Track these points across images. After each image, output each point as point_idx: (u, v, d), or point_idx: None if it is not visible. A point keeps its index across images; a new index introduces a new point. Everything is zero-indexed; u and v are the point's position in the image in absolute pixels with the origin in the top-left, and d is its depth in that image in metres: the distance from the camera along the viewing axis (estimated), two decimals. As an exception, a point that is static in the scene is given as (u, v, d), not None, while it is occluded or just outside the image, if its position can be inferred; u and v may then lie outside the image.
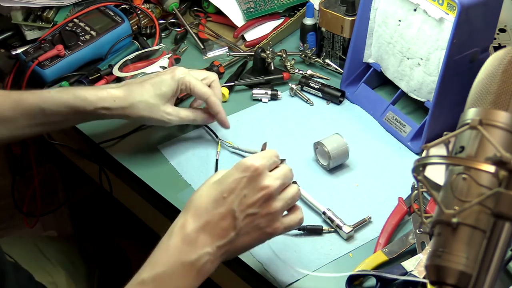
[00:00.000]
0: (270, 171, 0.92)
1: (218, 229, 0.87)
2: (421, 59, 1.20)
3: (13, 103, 1.12)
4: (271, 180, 0.90)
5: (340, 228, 1.08)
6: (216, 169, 1.20)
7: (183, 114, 1.18)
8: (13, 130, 1.13)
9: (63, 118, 1.14)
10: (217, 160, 1.21)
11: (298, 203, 1.13)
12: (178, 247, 0.86)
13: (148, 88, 1.14)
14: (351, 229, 1.08)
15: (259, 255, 1.06)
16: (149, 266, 0.86)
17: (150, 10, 1.51)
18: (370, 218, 1.11)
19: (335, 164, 1.19)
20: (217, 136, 1.25)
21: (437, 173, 1.01)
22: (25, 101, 1.12)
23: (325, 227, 1.10)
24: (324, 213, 1.10)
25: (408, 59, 1.23)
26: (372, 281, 1.02)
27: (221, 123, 1.22)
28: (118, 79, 1.38)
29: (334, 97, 1.34)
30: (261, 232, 0.91)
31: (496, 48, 1.26)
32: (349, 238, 1.08)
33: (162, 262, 0.86)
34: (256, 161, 0.89)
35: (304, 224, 1.08)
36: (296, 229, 1.09)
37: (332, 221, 1.10)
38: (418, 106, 1.30)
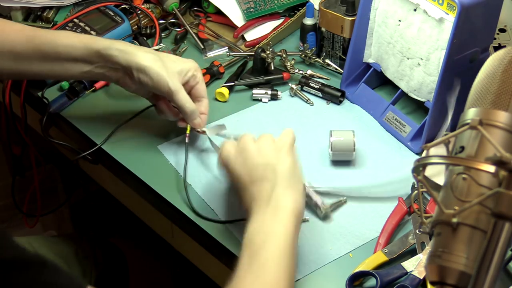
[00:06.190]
0: None
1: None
2: (421, 59, 1.20)
3: (27, 37, 1.14)
4: None
5: (318, 206, 1.09)
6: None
7: (185, 96, 1.14)
8: (22, 65, 1.15)
9: (74, 58, 1.13)
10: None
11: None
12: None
13: (163, 54, 1.18)
14: (328, 207, 1.09)
15: (259, 255, 1.06)
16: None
17: (150, 10, 1.51)
18: (346, 199, 1.13)
19: (336, 158, 1.19)
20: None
21: (437, 173, 1.01)
22: (40, 38, 1.14)
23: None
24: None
25: (408, 59, 1.23)
26: (372, 281, 1.02)
27: (197, 122, 1.18)
28: (118, 79, 1.38)
29: (334, 97, 1.34)
30: None
31: (496, 48, 1.27)
32: (325, 217, 1.09)
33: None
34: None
35: None
36: None
37: (310, 199, 1.10)
38: (418, 106, 1.30)
